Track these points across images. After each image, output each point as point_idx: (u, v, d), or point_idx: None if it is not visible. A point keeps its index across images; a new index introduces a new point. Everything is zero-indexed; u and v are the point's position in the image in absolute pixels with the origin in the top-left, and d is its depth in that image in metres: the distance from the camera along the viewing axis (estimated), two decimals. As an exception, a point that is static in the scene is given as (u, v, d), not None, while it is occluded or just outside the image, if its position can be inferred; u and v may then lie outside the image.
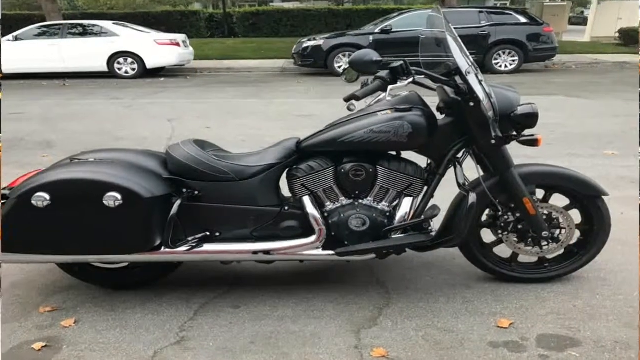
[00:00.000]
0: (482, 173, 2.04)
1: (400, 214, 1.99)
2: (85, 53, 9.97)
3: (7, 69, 9.86)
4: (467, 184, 2.02)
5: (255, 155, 2.04)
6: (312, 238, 1.99)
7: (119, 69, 10.12)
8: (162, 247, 1.94)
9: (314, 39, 10.24)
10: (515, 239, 2.12)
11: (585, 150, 4.34)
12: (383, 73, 1.83)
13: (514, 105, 1.90)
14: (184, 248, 1.96)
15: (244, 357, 1.77)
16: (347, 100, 1.82)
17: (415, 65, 1.88)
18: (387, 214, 2.00)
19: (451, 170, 2.03)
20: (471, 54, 2.04)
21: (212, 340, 1.87)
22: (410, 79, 1.83)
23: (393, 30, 9.68)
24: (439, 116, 2.02)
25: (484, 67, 9.70)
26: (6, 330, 1.93)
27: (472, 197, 1.90)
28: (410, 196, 1.99)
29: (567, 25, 20.03)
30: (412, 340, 1.84)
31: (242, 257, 2.02)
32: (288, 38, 15.99)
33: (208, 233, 2.01)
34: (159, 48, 10.09)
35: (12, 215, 1.81)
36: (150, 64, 10.09)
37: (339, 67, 9.89)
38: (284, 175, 2.04)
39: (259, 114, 6.28)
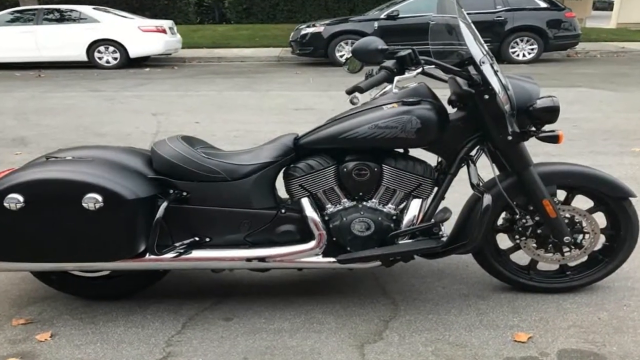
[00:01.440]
0: (497, 172, 2.05)
1: (408, 217, 1.99)
2: (62, 41, 9.98)
3: (-24, 58, 9.90)
4: (481, 184, 2.02)
5: (249, 153, 2.05)
6: (312, 244, 1.99)
7: (100, 59, 10.13)
8: (147, 254, 1.94)
9: (314, 26, 10.26)
10: (534, 245, 2.13)
11: (610, 148, 4.35)
12: (389, 63, 1.83)
13: (533, 98, 1.90)
14: (170, 255, 1.96)
15: (237, 374, 1.78)
16: (349, 92, 1.82)
17: (424, 54, 1.88)
18: (394, 217, 2.01)
19: (464, 170, 2.03)
20: (486, 41, 2.04)
21: (201, 355, 1.87)
22: (419, 69, 1.83)
23: (400, 15, 9.71)
24: (451, 110, 2.03)
25: (500, 56, 9.72)
26: (-24, 345, 1.93)
27: (487, 199, 1.90)
28: (419, 198, 2.00)
29: (591, 10, 20.05)
30: (422, 356, 1.84)
31: (234, 264, 2.02)
32: (285, 24, 16.01)
33: (197, 238, 2.01)
34: (143, 35, 10.10)
35: (-18, 219, 1.81)
36: (133, 52, 10.11)
37: (341, 56, 9.90)
38: (281, 175, 2.04)
39: (253, 108, 6.28)
